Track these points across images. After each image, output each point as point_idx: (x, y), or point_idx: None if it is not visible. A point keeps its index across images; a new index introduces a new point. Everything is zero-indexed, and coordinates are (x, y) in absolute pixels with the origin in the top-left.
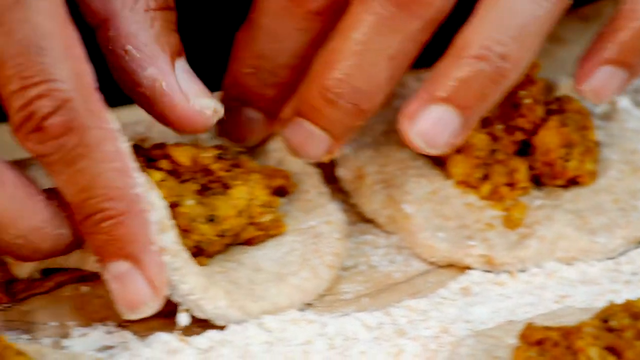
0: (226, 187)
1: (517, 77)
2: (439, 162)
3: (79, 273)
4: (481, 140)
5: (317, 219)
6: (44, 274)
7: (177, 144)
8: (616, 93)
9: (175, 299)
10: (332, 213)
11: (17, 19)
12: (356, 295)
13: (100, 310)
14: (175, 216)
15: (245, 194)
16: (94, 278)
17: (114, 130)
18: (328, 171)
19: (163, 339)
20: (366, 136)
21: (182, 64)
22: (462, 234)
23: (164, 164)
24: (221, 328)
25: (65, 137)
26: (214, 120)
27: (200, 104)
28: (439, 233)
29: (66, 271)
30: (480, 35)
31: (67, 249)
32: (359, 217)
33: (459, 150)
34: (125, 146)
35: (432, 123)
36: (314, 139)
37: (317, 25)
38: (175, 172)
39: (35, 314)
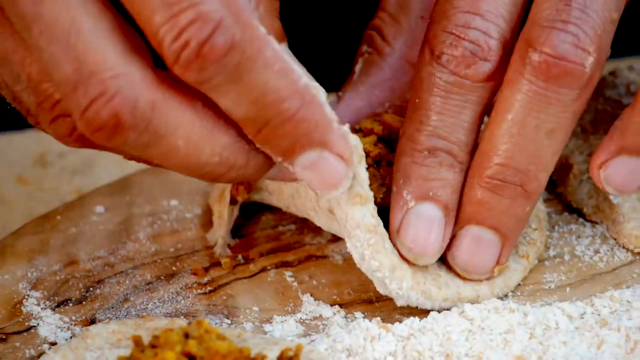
0: None
1: None
2: None
3: (282, 258)
4: None
5: None
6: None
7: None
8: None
9: (364, 270)
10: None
11: None
12: (559, 285)
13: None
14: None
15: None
16: (296, 263)
17: (265, 34)
18: None
19: (364, 326)
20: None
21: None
22: None
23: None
24: (422, 316)
25: (227, 57)
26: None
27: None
28: None
29: (269, 256)
30: None
31: (261, 168)
32: (564, 207)
33: None
34: (277, 44)
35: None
36: (482, 246)
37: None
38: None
39: (237, 298)
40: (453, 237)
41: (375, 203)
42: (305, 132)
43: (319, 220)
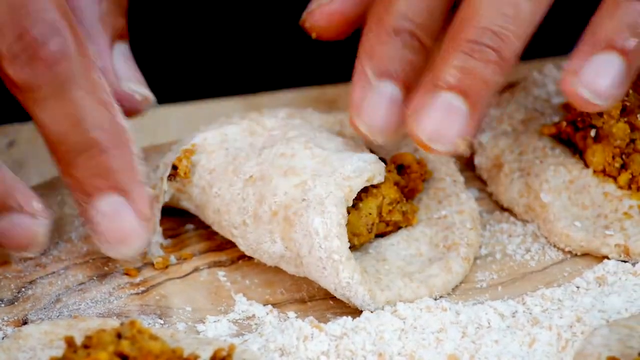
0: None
1: None
2: (577, 151)
3: (214, 258)
4: (620, 129)
5: (449, 208)
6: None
7: None
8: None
9: (322, 250)
10: (464, 202)
11: None
12: (490, 284)
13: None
14: None
15: (374, 207)
16: (229, 263)
17: (94, 61)
18: (464, 159)
19: (297, 325)
20: (504, 124)
21: (122, 48)
22: (600, 223)
23: None
24: (354, 315)
25: (58, 66)
26: (144, 107)
27: (130, 87)
28: (576, 222)
29: (201, 256)
30: None
31: None
32: (495, 206)
33: (598, 140)
34: (102, 76)
35: (595, 72)
36: (452, 113)
37: None
38: None
39: (170, 298)
40: (420, 105)
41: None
42: (112, 171)
43: (242, 243)
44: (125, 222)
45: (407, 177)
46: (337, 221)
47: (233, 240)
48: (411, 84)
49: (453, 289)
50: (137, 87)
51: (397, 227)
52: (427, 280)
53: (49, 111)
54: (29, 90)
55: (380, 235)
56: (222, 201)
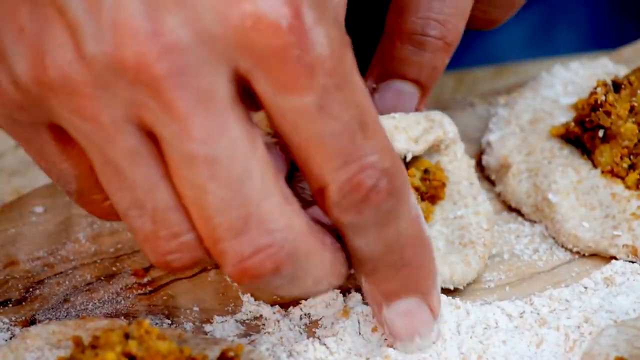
0: None
1: None
2: (585, 152)
3: None
4: (628, 129)
5: (465, 209)
6: None
7: None
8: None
9: None
10: (481, 204)
11: (344, 99)
12: (498, 284)
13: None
14: None
15: None
16: None
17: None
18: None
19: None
20: (512, 125)
21: None
22: (608, 223)
23: None
24: None
25: (385, 203)
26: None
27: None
28: (584, 222)
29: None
30: None
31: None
32: (503, 206)
33: (606, 140)
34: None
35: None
36: (404, 98)
37: None
38: None
39: (177, 298)
40: (373, 91)
41: None
42: (416, 279)
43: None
44: (420, 321)
45: (428, 183)
46: None
47: None
48: None
49: (461, 290)
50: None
51: None
52: (448, 264)
53: (366, 238)
54: (349, 226)
55: None
56: None
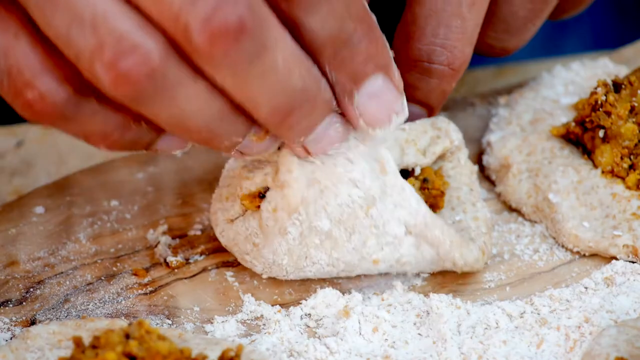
0: None
1: None
2: (585, 152)
3: (223, 258)
4: (628, 130)
5: (463, 215)
6: None
7: None
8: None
9: None
10: (480, 210)
11: None
12: (499, 284)
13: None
14: None
15: None
16: (237, 263)
17: None
18: (473, 160)
19: (304, 326)
20: (513, 125)
21: None
22: (608, 224)
23: None
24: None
25: None
26: None
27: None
28: (585, 223)
29: (210, 257)
30: None
31: (327, 106)
32: (503, 206)
33: (606, 140)
34: None
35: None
36: (411, 117)
37: None
38: None
39: (178, 299)
40: None
41: None
42: (374, 53)
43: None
44: (389, 99)
45: (427, 192)
46: None
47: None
48: None
49: (461, 290)
50: None
51: None
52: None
53: (318, 15)
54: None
55: None
56: None
